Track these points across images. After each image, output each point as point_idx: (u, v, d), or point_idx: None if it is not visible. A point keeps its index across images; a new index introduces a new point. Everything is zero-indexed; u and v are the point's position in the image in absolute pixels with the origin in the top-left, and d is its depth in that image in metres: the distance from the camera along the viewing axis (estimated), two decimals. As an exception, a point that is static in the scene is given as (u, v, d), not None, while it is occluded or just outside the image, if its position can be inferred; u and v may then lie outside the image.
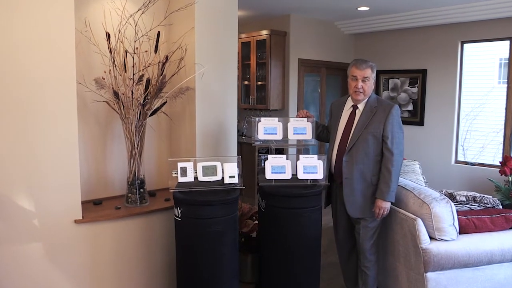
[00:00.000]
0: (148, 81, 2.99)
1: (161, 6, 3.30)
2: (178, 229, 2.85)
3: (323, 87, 6.81)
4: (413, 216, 2.84)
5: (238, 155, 3.29)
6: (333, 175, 3.10)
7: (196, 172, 2.92)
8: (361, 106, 3.01)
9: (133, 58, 3.01)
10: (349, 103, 3.08)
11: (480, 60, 5.73)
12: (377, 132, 2.90)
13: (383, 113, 2.91)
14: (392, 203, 2.96)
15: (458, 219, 2.87)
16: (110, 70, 2.97)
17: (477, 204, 3.15)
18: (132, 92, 2.98)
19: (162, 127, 3.58)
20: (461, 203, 3.14)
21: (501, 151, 5.56)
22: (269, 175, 3.05)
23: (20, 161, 2.59)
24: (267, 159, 3.07)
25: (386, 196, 2.87)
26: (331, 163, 3.09)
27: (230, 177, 2.95)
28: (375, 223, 3.00)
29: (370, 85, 2.96)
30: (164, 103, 3.24)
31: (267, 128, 3.16)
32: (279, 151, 4.67)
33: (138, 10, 3.02)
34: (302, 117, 3.18)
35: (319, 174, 3.04)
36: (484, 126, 5.72)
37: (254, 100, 6.41)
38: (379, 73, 6.64)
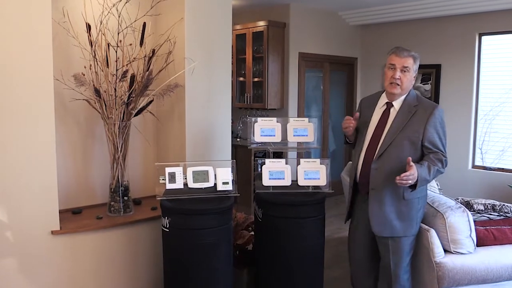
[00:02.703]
0: (132, 77, 3.00)
1: (148, -6, 3.33)
2: (166, 241, 2.85)
3: (326, 84, 6.84)
4: (426, 227, 2.86)
5: (232, 159, 3.31)
6: (358, 184, 2.86)
7: (186, 178, 2.93)
8: (397, 104, 2.77)
9: (116, 52, 3.02)
10: (383, 100, 2.84)
11: (499, 54, 5.75)
12: (416, 137, 2.67)
13: (424, 114, 2.67)
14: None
15: (476, 230, 2.88)
16: (90, 65, 2.98)
17: (497, 213, 3.17)
18: (115, 89, 2.99)
19: (149, 128, 3.60)
20: (479, 212, 3.16)
21: (523, 155, 5.59)
22: (266, 181, 3.07)
23: (-9, 166, 2.59)
24: (264, 164, 3.09)
25: (424, 176, 2.58)
26: (357, 170, 2.84)
27: (224, 183, 2.96)
28: (409, 240, 2.75)
29: (409, 78, 2.72)
30: (151, 101, 3.26)
31: (265, 130, 3.18)
32: (278, 155, 4.69)
33: (122, -2, 3.05)
34: (350, 124, 2.85)
35: (321, 180, 3.06)
36: (504, 127, 5.74)
37: (250, 98, 6.43)
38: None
